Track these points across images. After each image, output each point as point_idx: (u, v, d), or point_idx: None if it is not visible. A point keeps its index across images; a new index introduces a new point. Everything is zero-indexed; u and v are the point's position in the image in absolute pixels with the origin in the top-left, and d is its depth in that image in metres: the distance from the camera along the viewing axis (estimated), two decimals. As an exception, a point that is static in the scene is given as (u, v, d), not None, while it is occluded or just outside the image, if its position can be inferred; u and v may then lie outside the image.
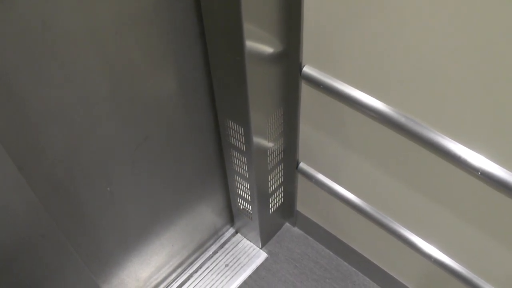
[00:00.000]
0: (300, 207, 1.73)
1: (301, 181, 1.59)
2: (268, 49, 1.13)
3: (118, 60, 1.00)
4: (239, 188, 1.54)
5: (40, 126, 0.92)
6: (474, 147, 0.98)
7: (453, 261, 1.25)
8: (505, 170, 0.95)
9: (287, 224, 1.85)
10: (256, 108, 1.21)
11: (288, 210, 1.76)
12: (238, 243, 1.80)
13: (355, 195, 1.41)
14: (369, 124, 1.17)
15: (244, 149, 1.34)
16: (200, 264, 1.73)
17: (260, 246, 1.77)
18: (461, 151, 1.00)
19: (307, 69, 1.19)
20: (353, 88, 1.13)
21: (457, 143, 1.00)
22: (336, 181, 1.44)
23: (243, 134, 1.29)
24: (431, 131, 1.03)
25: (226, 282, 1.67)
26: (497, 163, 0.96)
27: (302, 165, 1.51)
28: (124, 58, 1.01)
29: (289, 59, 1.21)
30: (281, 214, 1.77)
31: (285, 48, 1.18)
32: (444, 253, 1.27)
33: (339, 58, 1.10)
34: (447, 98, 0.95)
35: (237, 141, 1.34)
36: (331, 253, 1.75)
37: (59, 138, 0.97)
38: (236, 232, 1.83)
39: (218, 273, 1.70)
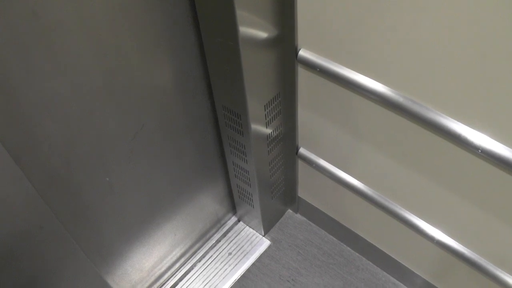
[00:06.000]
0: (301, 193, 1.72)
1: (301, 166, 1.58)
2: (262, 34, 1.12)
3: (111, 49, 0.99)
4: (239, 175, 1.53)
5: (34, 117, 0.91)
6: (474, 125, 0.97)
7: (457, 242, 1.25)
8: (506, 147, 0.95)
9: (289, 210, 1.85)
10: (253, 94, 1.20)
11: (289, 196, 1.76)
12: (241, 231, 1.80)
13: (356, 179, 1.41)
14: (368, 106, 1.16)
15: (243, 136, 1.33)
16: (204, 253, 1.73)
17: (263, 234, 1.77)
18: (461, 130, 0.99)
19: (303, 53, 1.18)
20: (350, 70, 1.11)
21: (456, 121, 0.99)
22: (336, 166, 1.44)
23: (240, 120, 1.28)
24: (430, 110, 1.02)
25: (230, 271, 1.68)
26: (498, 141, 0.95)
27: (302, 150, 1.50)
28: (117, 47, 1.01)
29: (284, 43, 1.19)
30: (283, 201, 1.76)
31: (280, 32, 1.16)
32: (447, 235, 1.26)
33: (334, 40, 1.09)
34: (445, 77, 0.94)
35: (235, 128, 1.33)
36: (334, 238, 1.75)
37: (54, 129, 0.97)
38: (239, 220, 1.83)
39: (222, 262, 1.71)
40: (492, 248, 1.18)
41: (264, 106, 1.28)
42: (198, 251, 1.74)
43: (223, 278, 1.66)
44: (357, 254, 1.70)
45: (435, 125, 1.02)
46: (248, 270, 1.67)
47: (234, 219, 1.83)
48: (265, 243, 1.75)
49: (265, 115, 1.31)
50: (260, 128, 1.33)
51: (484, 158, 0.99)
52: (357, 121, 1.23)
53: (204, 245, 1.75)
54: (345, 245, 1.73)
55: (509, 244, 1.12)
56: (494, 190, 1.04)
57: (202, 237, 1.73)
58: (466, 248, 1.23)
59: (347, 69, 1.12)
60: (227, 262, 1.70)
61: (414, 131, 1.10)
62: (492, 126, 0.95)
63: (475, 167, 1.03)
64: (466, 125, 0.98)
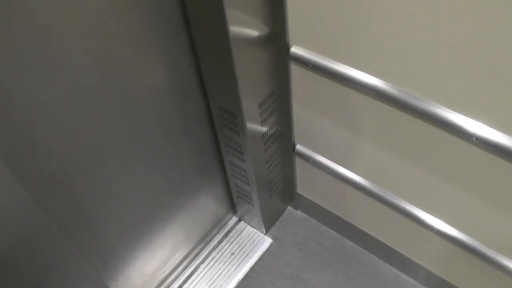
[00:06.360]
0: (300, 189, 1.72)
1: (299, 163, 1.59)
2: (253, 32, 1.12)
3: (104, 51, 0.99)
4: (237, 175, 1.53)
5: (28, 122, 0.91)
6: (468, 113, 0.97)
7: (457, 230, 1.25)
8: (501, 133, 0.95)
9: (290, 208, 1.85)
10: (247, 93, 1.21)
11: (289, 193, 1.76)
12: (242, 230, 1.80)
13: (354, 173, 1.41)
14: (363, 101, 1.16)
15: (238, 135, 1.33)
16: (206, 255, 1.73)
17: (264, 232, 1.77)
18: (456, 118, 0.99)
19: (295, 49, 1.18)
20: (343, 65, 1.12)
21: (451, 111, 0.99)
22: (334, 161, 1.44)
23: (235, 120, 1.28)
24: (425, 102, 1.02)
25: (234, 271, 1.68)
26: (493, 127, 0.96)
27: (299, 147, 1.50)
28: (111, 49, 1.01)
29: (276, 40, 1.20)
30: (282, 198, 1.77)
31: (271, 29, 1.17)
32: (447, 224, 1.26)
33: (326, 35, 1.09)
34: (438, 68, 0.94)
35: (230, 128, 1.33)
36: (335, 233, 1.75)
37: (49, 133, 0.96)
38: (239, 220, 1.83)
39: (225, 262, 1.71)
40: (491, 234, 1.18)
41: (259, 104, 1.28)
42: (201, 253, 1.74)
43: (227, 278, 1.66)
44: (359, 247, 1.70)
45: (431, 116, 1.02)
46: (252, 269, 1.68)
47: (235, 219, 1.83)
48: (267, 241, 1.75)
49: (260, 113, 1.31)
50: (256, 127, 1.33)
51: (480, 145, 1.00)
52: (353, 115, 1.23)
53: (206, 247, 1.76)
54: (346, 240, 1.73)
55: (507, 229, 1.12)
56: (490, 176, 1.05)
57: (204, 239, 1.74)
58: (466, 236, 1.24)
59: (340, 64, 1.12)
60: (230, 262, 1.71)
61: (410, 123, 1.10)
62: (486, 113, 0.95)
63: (471, 155, 1.04)
64: (461, 113, 0.98)
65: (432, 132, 1.07)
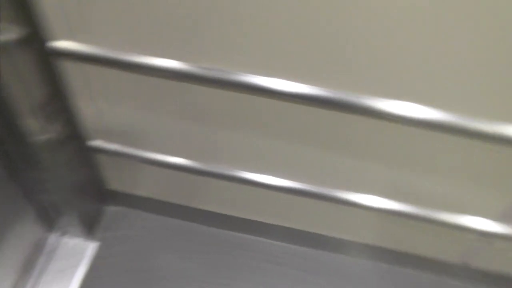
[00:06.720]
0: (114, 185, 1.65)
1: (104, 160, 1.51)
2: (8, 38, 1.03)
3: None
4: (40, 191, 1.40)
5: None
6: (265, 72, 1.02)
7: (284, 179, 1.35)
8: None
9: (108, 207, 1.77)
10: (18, 105, 1.09)
11: (103, 193, 1.69)
12: (65, 245, 1.67)
13: (165, 154, 1.40)
14: (150, 82, 1.13)
15: (22, 151, 1.22)
16: (34, 282, 1.60)
17: (89, 239, 1.67)
18: (253, 80, 1.03)
19: (60, 45, 1.06)
20: (114, 51, 1.06)
21: (250, 74, 1.03)
22: (139, 147, 1.40)
23: (16, 132, 1.16)
24: (213, 70, 1.04)
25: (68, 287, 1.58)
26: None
27: (96, 142, 1.40)
28: None
29: (38, 40, 1.08)
30: (97, 200, 1.68)
31: (28, 30, 1.04)
32: (274, 176, 1.35)
33: (91, 23, 1.01)
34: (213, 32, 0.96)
35: (11, 147, 1.21)
36: (160, 217, 1.74)
37: None
38: (59, 235, 1.71)
39: (57, 282, 1.59)
40: (311, 172, 1.29)
41: (38, 110, 1.16)
42: (28, 282, 1.59)
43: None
44: (189, 223, 1.72)
45: (226, 82, 1.05)
46: (84, 281, 1.59)
47: (54, 236, 1.69)
48: (94, 247, 1.66)
49: (42, 119, 1.18)
50: (42, 135, 1.21)
51: (280, 98, 1.06)
52: (143, 97, 1.20)
53: (33, 274, 1.60)
54: (174, 219, 1.73)
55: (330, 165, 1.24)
56: (297, 124, 1.13)
57: (28, 267, 1.58)
58: (291, 182, 1.34)
59: (112, 51, 1.06)
60: (61, 281, 1.59)
61: (201, 92, 1.11)
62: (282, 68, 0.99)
63: (271, 107, 1.10)
64: (260, 75, 1.02)
65: (231, 97, 1.10)
